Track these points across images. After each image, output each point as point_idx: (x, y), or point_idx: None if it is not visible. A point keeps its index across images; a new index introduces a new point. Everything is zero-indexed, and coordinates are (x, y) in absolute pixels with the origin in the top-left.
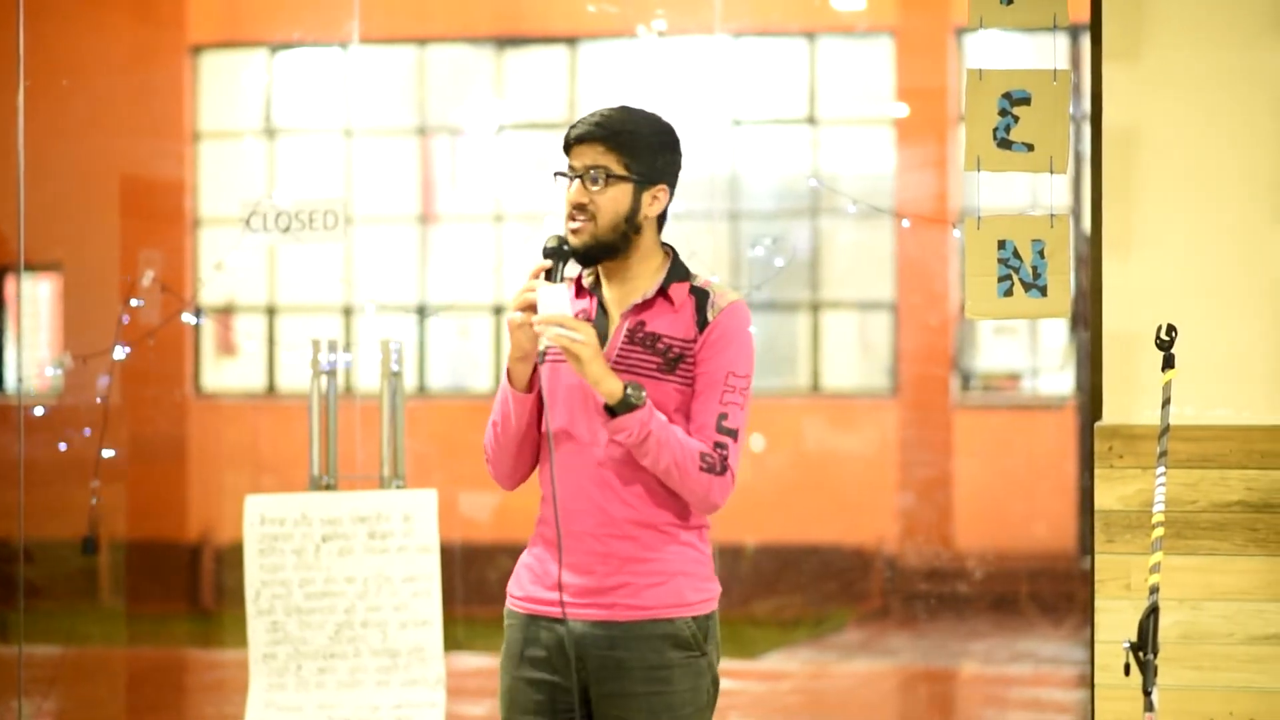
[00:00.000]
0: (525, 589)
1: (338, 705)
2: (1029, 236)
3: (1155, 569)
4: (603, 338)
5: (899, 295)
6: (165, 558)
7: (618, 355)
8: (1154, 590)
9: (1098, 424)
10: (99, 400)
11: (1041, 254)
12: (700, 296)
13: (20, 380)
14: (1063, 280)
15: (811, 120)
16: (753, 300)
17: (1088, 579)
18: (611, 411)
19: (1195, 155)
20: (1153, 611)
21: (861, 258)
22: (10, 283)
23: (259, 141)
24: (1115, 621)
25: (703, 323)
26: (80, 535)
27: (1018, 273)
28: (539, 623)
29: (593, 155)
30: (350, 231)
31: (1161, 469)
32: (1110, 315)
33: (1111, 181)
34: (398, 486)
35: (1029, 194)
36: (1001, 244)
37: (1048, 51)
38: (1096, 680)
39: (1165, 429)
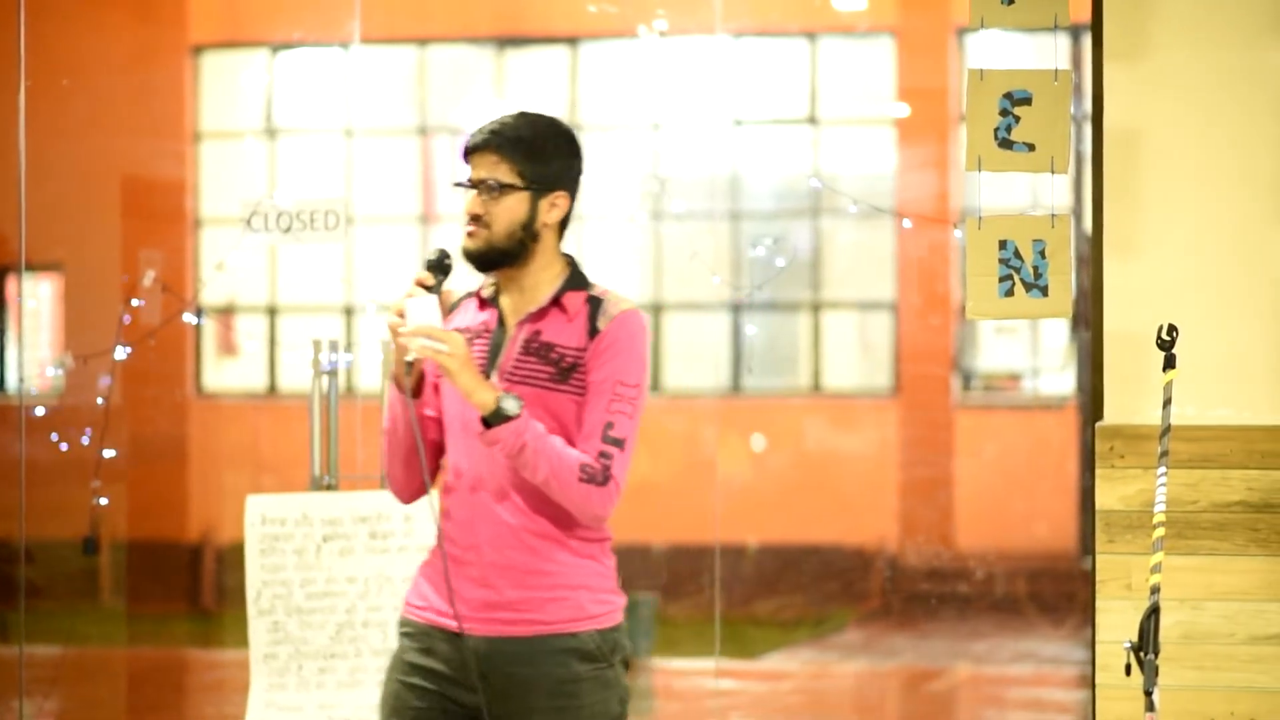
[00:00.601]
0: (427, 599)
1: (338, 705)
2: (1030, 236)
3: (1156, 569)
4: (499, 348)
5: (900, 295)
6: (166, 558)
7: (513, 366)
8: (1155, 590)
9: (1099, 424)
10: (100, 400)
11: (1043, 254)
12: (594, 304)
13: (21, 380)
14: (1064, 280)
15: (812, 120)
16: (754, 300)
17: (1089, 579)
18: (486, 423)
19: (1196, 155)
20: (1154, 611)
21: (862, 258)
22: (11, 283)
23: (260, 141)
24: (1116, 621)
25: (593, 331)
26: (81, 535)
27: (1019, 273)
28: (436, 634)
29: (487, 165)
30: (351, 231)
31: (1162, 469)
32: (1111, 315)
33: (1112, 181)
34: None
35: (1030, 194)
36: (1003, 244)
37: (1049, 51)
38: (1097, 680)
39: (1166, 429)
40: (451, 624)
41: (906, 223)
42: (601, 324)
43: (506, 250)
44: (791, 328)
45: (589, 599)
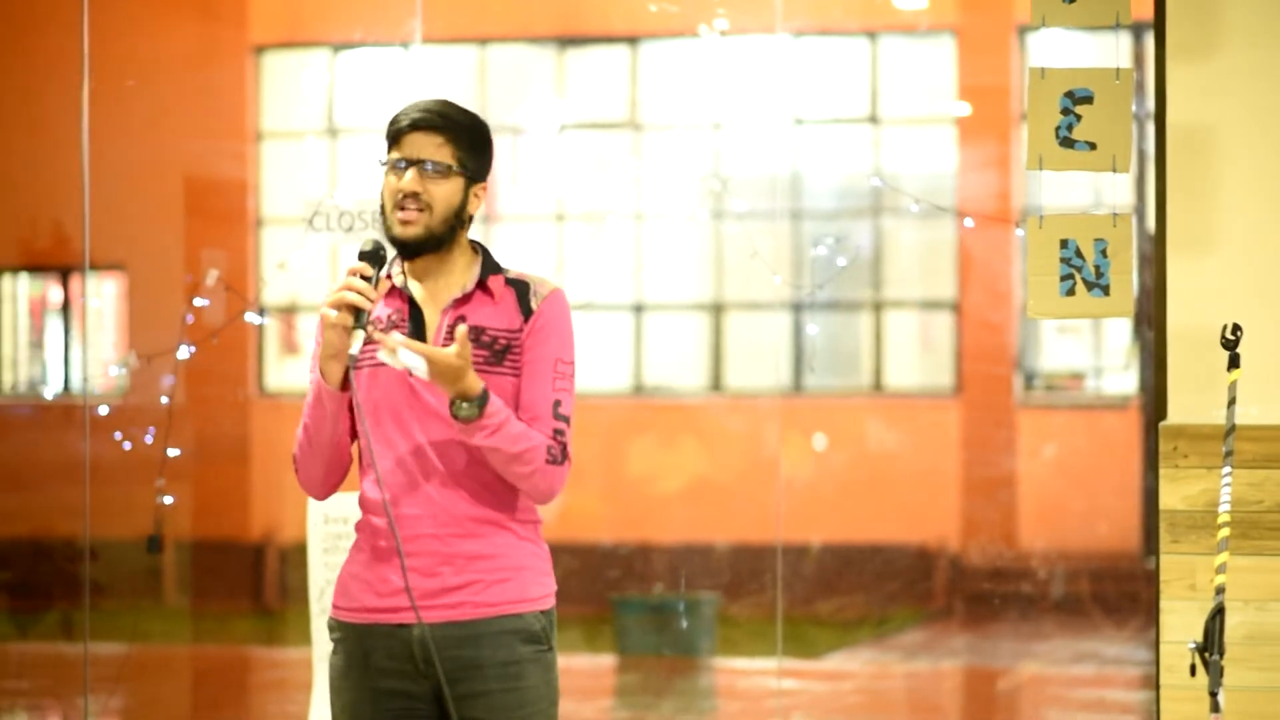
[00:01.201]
0: (356, 599)
1: None
2: (1092, 235)
3: (1221, 569)
4: (420, 338)
5: (961, 294)
6: (229, 556)
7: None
8: (1220, 590)
9: (1162, 424)
10: (163, 400)
11: (1104, 253)
12: (520, 287)
13: (85, 380)
14: (1125, 279)
15: (873, 119)
16: (815, 300)
17: (1152, 579)
18: (461, 412)
19: (1260, 153)
20: (1218, 612)
21: (923, 257)
22: (75, 282)
23: (321, 141)
24: (1180, 622)
25: (527, 312)
26: (145, 534)
27: (1080, 272)
28: (377, 631)
29: (431, 146)
30: None
31: (1227, 469)
32: (1175, 314)
33: (1176, 180)
34: None
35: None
36: (1064, 243)
37: (1110, 50)
38: (1162, 681)
39: (1231, 428)
40: (387, 618)
41: (968, 222)
42: (535, 304)
43: (441, 236)
44: (853, 327)
45: (531, 580)
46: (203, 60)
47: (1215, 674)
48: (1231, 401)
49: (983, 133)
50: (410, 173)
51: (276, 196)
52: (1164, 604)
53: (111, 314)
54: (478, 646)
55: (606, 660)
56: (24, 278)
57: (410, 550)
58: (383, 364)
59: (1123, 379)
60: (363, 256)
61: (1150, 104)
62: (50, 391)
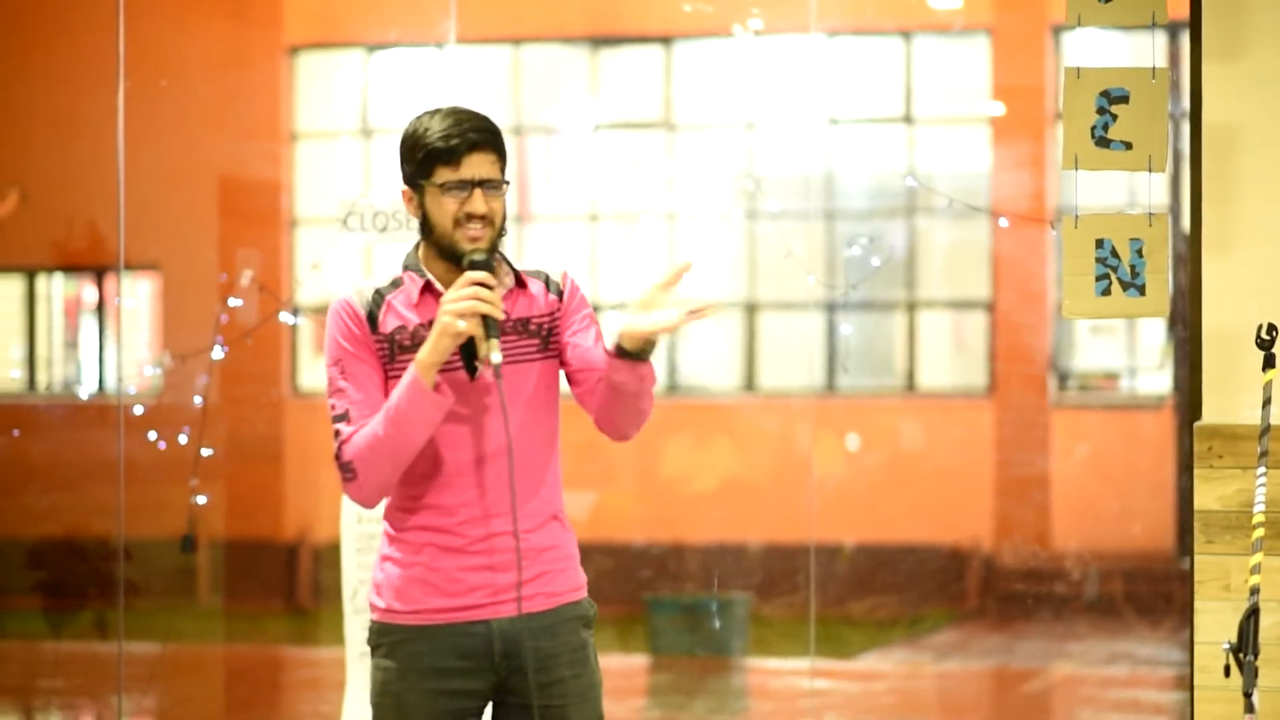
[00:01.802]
0: (419, 602)
1: None
2: (1127, 235)
3: (1256, 570)
4: (468, 343)
5: (996, 294)
6: (263, 556)
7: (502, 347)
8: (1254, 591)
9: (1197, 424)
10: (197, 399)
11: (1140, 253)
12: (539, 276)
13: (120, 379)
14: (1161, 279)
15: (908, 119)
16: (849, 300)
17: (1187, 580)
18: (636, 356)
19: None
20: (1253, 613)
21: (958, 257)
22: (110, 283)
23: (355, 141)
24: (1215, 623)
25: (558, 293)
26: (179, 534)
27: (1116, 272)
28: (445, 631)
29: (488, 165)
30: None
31: (1262, 469)
32: (1210, 314)
33: (1211, 180)
34: None
35: (1127, 193)
36: (1099, 243)
37: (1146, 49)
38: (1196, 682)
39: (1266, 429)
40: (459, 617)
41: (1002, 221)
42: (564, 286)
43: (496, 248)
44: (886, 327)
45: (578, 568)
46: (237, 61)
47: (1249, 675)
48: (1266, 402)
49: (1017, 132)
50: (477, 194)
51: (311, 197)
52: (1198, 604)
53: (146, 314)
54: (553, 636)
55: (639, 660)
56: (59, 278)
57: (488, 548)
58: (456, 369)
59: (1157, 379)
60: (478, 265)
61: (1185, 104)
62: (85, 391)
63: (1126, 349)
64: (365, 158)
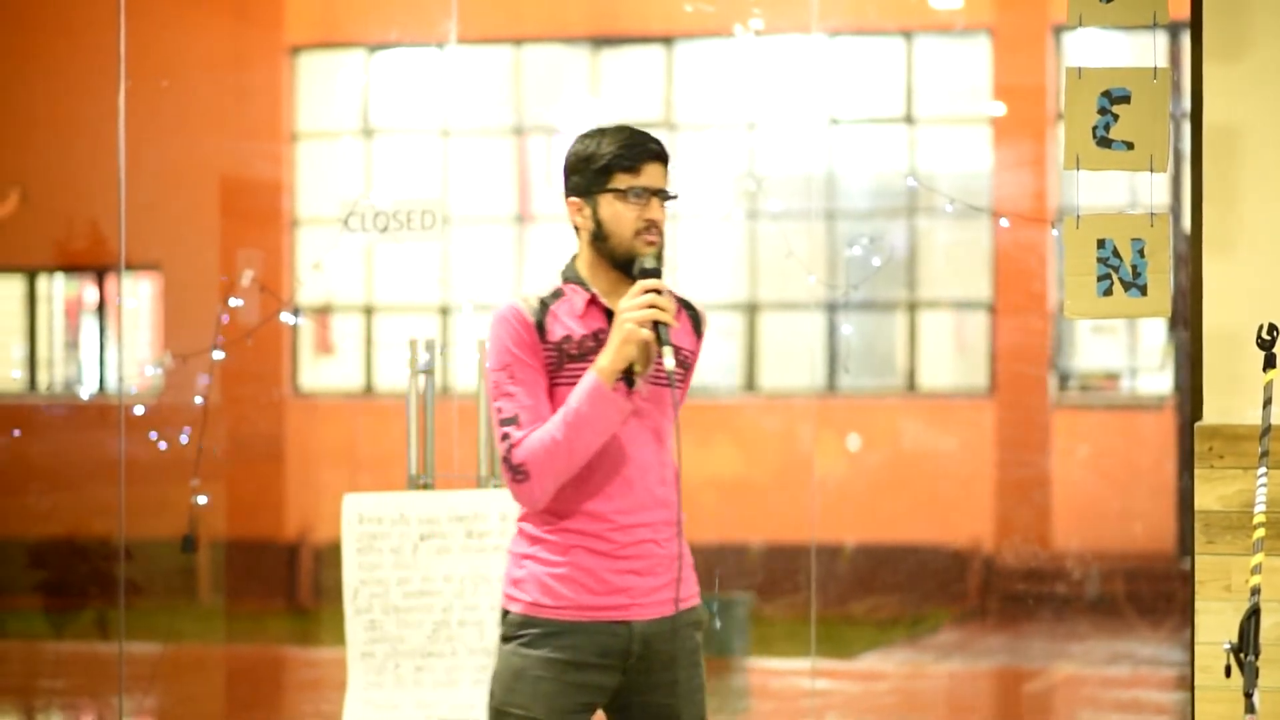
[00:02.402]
0: (566, 598)
1: (435, 704)
2: (1129, 235)
3: (1256, 570)
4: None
5: (997, 295)
6: (264, 556)
7: (656, 369)
8: (1255, 591)
9: (1198, 424)
10: (198, 400)
11: (1141, 253)
12: (689, 308)
13: (121, 379)
14: (1162, 279)
15: (909, 119)
16: (850, 300)
17: (1187, 580)
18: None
19: None
20: (1254, 613)
21: (959, 257)
22: (111, 283)
23: (357, 142)
24: (1216, 623)
25: (699, 333)
26: (180, 534)
27: (1117, 272)
28: (589, 628)
29: (662, 176)
30: (447, 231)
31: (1263, 469)
32: (1211, 314)
33: (1212, 180)
34: (495, 486)
35: (1128, 193)
36: (1101, 243)
37: (1147, 49)
38: (1197, 682)
39: (1267, 429)
40: (604, 615)
41: (1004, 222)
42: (703, 328)
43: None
44: (888, 327)
45: (694, 575)
46: (238, 61)
47: (1250, 675)
48: (1267, 402)
49: (1018, 132)
50: (654, 202)
51: (312, 197)
52: (1199, 605)
53: (147, 314)
54: (674, 639)
55: None
56: (60, 278)
57: (631, 554)
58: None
59: (1158, 379)
60: (650, 273)
61: (1186, 104)
62: (86, 392)
63: (1128, 349)
64: (366, 158)
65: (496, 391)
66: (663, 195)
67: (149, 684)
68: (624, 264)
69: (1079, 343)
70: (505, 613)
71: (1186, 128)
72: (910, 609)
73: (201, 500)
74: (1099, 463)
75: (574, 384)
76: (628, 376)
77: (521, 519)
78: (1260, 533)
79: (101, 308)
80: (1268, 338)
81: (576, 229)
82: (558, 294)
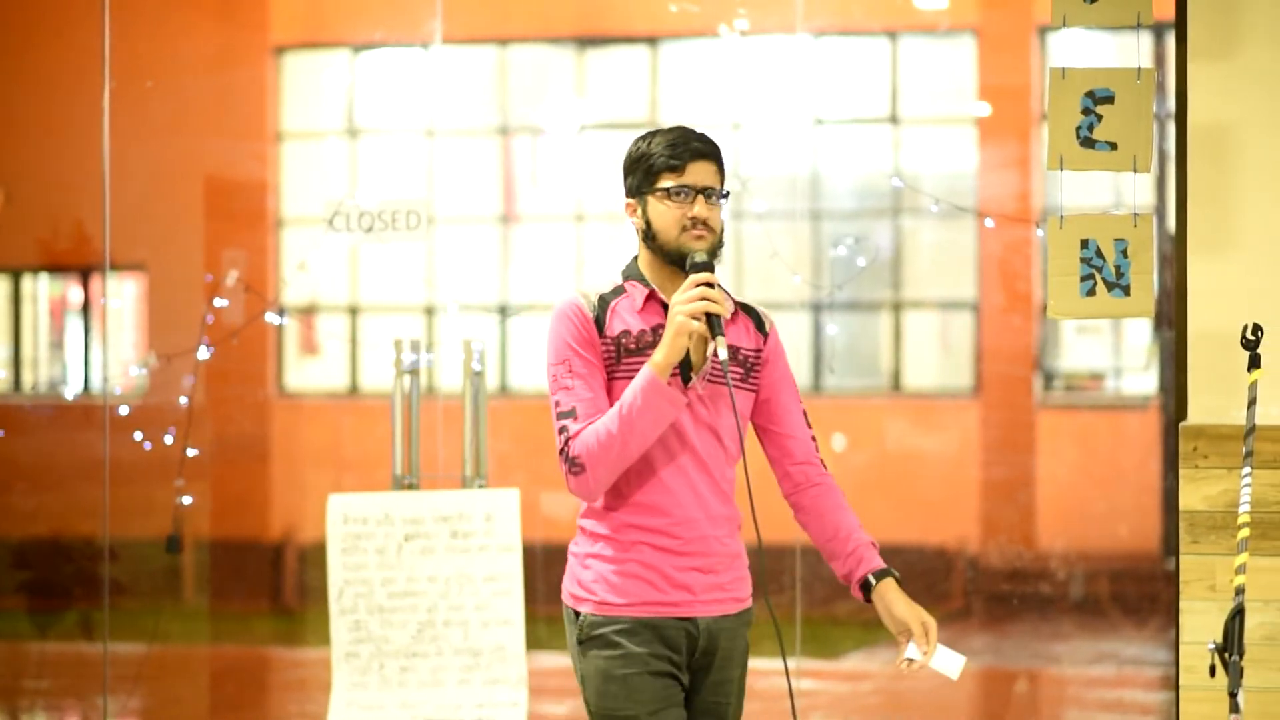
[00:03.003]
0: (635, 595)
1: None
2: (1112, 236)
3: (1241, 570)
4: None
5: (981, 295)
6: (248, 556)
7: (711, 370)
8: (1239, 591)
9: (1182, 424)
10: (183, 400)
11: (1125, 253)
12: (750, 311)
13: (105, 380)
14: (1146, 280)
15: (893, 119)
16: (835, 300)
17: (1172, 580)
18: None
19: None
20: (1238, 613)
21: (943, 257)
22: (96, 283)
23: (341, 142)
24: (1200, 623)
25: (764, 333)
26: (164, 534)
27: (1101, 272)
28: (657, 623)
29: (709, 174)
30: (432, 231)
31: (1247, 469)
32: (1195, 315)
33: (1196, 180)
34: (480, 486)
35: (1112, 193)
36: (1085, 243)
37: (1131, 50)
38: (1181, 682)
39: (1251, 429)
40: (671, 611)
41: (988, 222)
42: (767, 326)
43: (716, 254)
44: (872, 327)
45: (748, 574)
46: (223, 61)
47: (1235, 675)
48: (1252, 402)
49: (1003, 133)
50: (699, 200)
51: (297, 197)
52: (1184, 604)
53: (132, 314)
54: (731, 637)
55: None
56: (44, 278)
57: (694, 550)
58: (672, 376)
59: (1143, 379)
60: (701, 267)
61: (1171, 104)
62: (70, 392)
63: (1112, 349)
64: (351, 158)
65: (555, 385)
66: (709, 193)
67: (133, 684)
68: (677, 261)
69: (1064, 343)
70: (576, 614)
71: (1171, 128)
72: None
73: (186, 500)
74: (1084, 463)
75: (631, 378)
76: (685, 372)
77: (583, 517)
78: (1245, 532)
79: (86, 308)
80: (1252, 338)
81: (635, 229)
82: (619, 290)
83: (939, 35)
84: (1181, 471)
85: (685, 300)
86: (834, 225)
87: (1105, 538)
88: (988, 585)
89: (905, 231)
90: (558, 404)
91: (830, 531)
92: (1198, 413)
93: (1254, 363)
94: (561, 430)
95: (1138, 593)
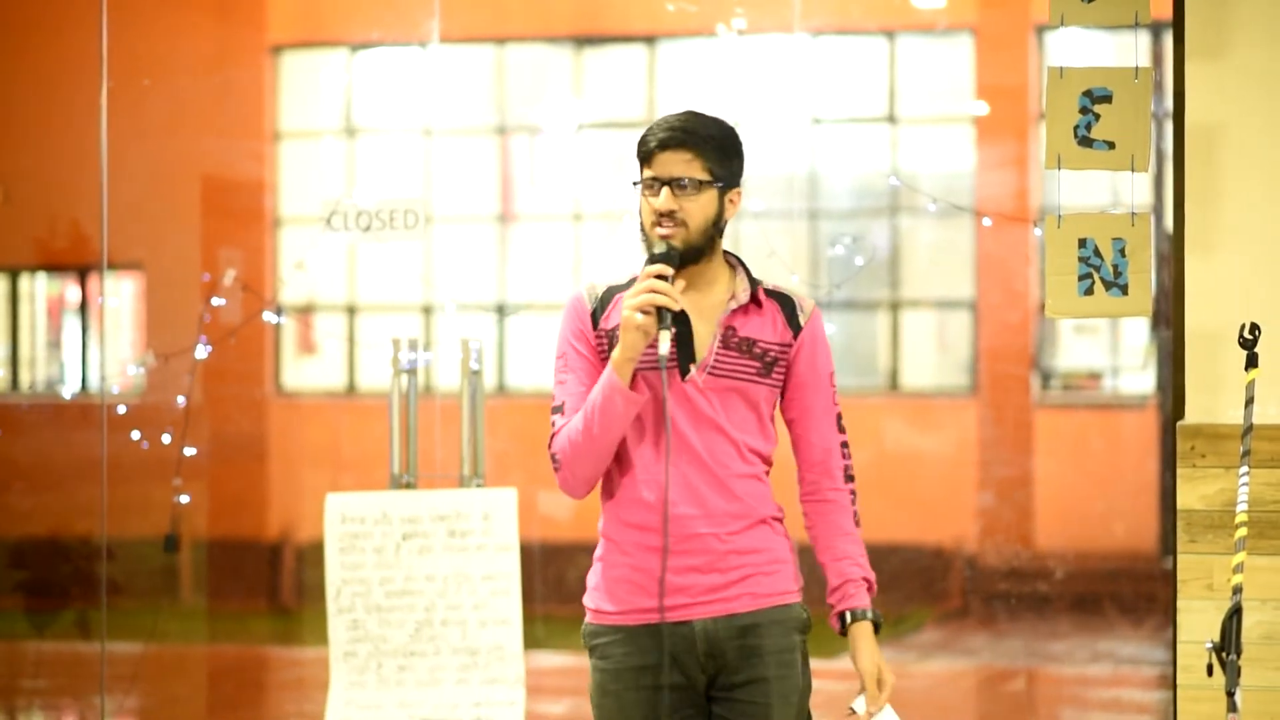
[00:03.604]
0: (629, 602)
1: (418, 703)
2: (1110, 235)
3: (1238, 569)
4: (687, 343)
5: (979, 294)
6: (246, 556)
7: (715, 360)
8: (1237, 590)
9: (1180, 423)
10: (180, 399)
11: (1122, 252)
12: (784, 301)
13: (103, 379)
14: (1144, 279)
15: (891, 119)
16: (832, 299)
17: (1169, 579)
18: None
19: (1278, 153)
20: (1236, 612)
21: (941, 256)
22: (93, 282)
23: (339, 141)
24: (1197, 622)
25: (796, 327)
26: (162, 533)
27: (1098, 271)
28: (657, 630)
29: (680, 163)
30: (430, 230)
31: (1244, 468)
32: (1193, 314)
33: (1194, 179)
34: (477, 485)
35: (1110, 192)
36: (1082, 242)
37: (1129, 49)
38: (1179, 681)
39: (1248, 428)
40: (668, 617)
41: (986, 221)
42: (802, 320)
43: (699, 248)
44: (870, 326)
45: (794, 573)
46: (220, 60)
47: (1232, 674)
48: (1249, 401)
49: (1001, 132)
50: (664, 192)
51: (294, 196)
52: (1181, 604)
53: (129, 313)
54: (759, 636)
55: None
56: (42, 277)
57: (688, 549)
58: (655, 368)
59: (1140, 379)
60: (658, 259)
61: (1168, 103)
62: (68, 391)
63: (1110, 348)
64: (349, 157)
65: (554, 380)
66: (677, 183)
67: (131, 684)
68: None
69: (1061, 342)
70: (584, 623)
71: (1168, 127)
72: (893, 608)
73: (184, 500)
74: (1081, 462)
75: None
76: (684, 364)
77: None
78: (1242, 531)
79: (84, 307)
80: (1249, 337)
81: None
82: (632, 282)
83: (937, 34)
84: (1179, 470)
85: (632, 294)
86: (831, 224)
87: (1103, 537)
88: (985, 584)
89: (903, 231)
90: (553, 398)
91: (826, 554)
92: (1195, 412)
93: (1251, 362)
94: (551, 425)
95: (1135, 592)
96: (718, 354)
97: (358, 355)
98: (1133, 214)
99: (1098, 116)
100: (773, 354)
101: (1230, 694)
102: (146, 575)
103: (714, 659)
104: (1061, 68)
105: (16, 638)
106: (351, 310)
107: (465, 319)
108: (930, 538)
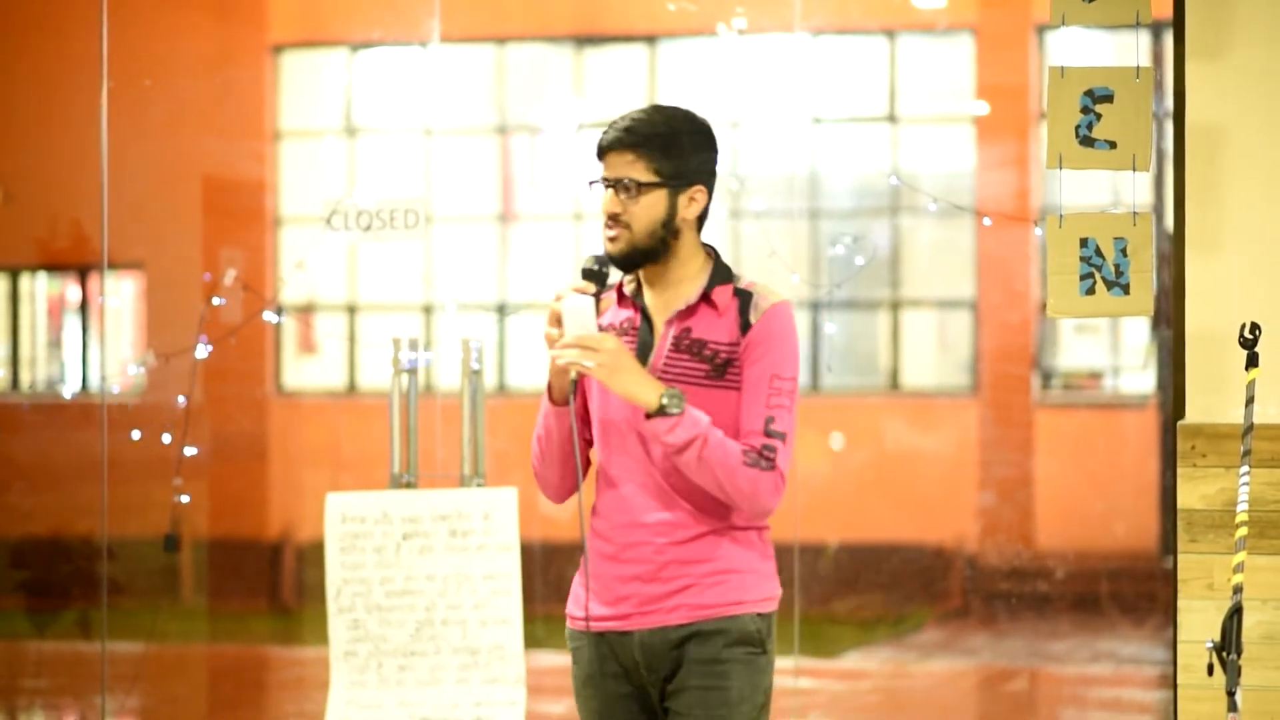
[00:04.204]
0: (590, 609)
1: (418, 703)
2: (1111, 234)
3: (1239, 568)
4: (647, 347)
5: (980, 293)
6: (246, 555)
7: (665, 364)
8: (1237, 590)
9: (1180, 423)
10: (181, 399)
11: (1124, 252)
12: (744, 298)
13: (103, 378)
14: (1145, 278)
15: (892, 118)
16: (833, 299)
17: (1170, 578)
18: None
19: (1278, 153)
20: (1236, 611)
21: (942, 256)
22: (94, 282)
23: (340, 140)
24: (1198, 621)
25: (745, 325)
26: (162, 533)
27: (1100, 271)
28: (608, 639)
29: (623, 164)
30: (430, 230)
31: (1245, 468)
32: (1193, 313)
33: (1195, 179)
34: (478, 485)
35: (1111, 192)
36: (1084, 242)
37: (1130, 48)
38: (1179, 680)
39: (1249, 428)
40: (615, 626)
41: (986, 221)
42: (753, 318)
43: (648, 250)
44: (871, 326)
45: (751, 583)
46: (221, 60)
47: (1233, 673)
48: (1250, 401)
49: (1001, 132)
50: (608, 194)
51: (295, 196)
52: (1181, 603)
53: (130, 313)
54: (689, 645)
55: None
56: (42, 277)
57: (631, 558)
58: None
59: (1141, 378)
60: (586, 275)
61: (1169, 103)
62: (68, 390)
63: (1110, 348)
64: (349, 157)
65: None
66: (621, 184)
67: (131, 684)
68: None
69: (1062, 342)
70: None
71: (1169, 127)
72: (893, 608)
73: (184, 499)
74: (1082, 462)
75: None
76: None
77: None
78: (1242, 531)
79: (84, 306)
80: (1250, 336)
81: None
82: (617, 286)
83: (937, 34)
84: (1179, 470)
85: (552, 339)
86: (832, 224)
87: (1103, 536)
88: (986, 584)
89: (903, 230)
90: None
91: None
92: (1195, 411)
93: (1252, 361)
94: None
95: (1135, 591)
96: (668, 357)
97: (358, 355)
98: (1134, 213)
99: (1099, 116)
100: (723, 355)
101: (1231, 693)
102: (147, 575)
103: (653, 670)
104: (1062, 67)
105: (17, 637)
106: (352, 310)
107: (466, 319)
108: (931, 537)
